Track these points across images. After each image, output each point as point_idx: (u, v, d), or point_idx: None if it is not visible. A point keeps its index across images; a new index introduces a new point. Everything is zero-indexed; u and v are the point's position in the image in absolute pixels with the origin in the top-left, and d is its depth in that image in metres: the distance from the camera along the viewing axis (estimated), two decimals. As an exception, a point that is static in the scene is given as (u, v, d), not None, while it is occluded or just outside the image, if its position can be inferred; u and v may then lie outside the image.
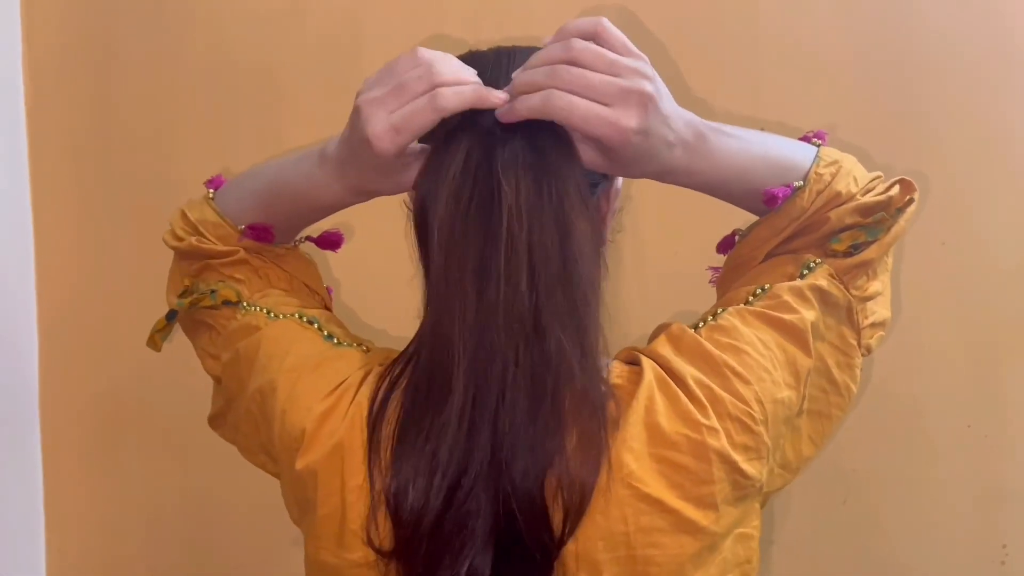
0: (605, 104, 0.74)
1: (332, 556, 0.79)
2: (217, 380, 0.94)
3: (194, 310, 0.92)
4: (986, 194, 1.43)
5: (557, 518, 0.74)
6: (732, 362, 0.78)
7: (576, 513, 0.73)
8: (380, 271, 1.36)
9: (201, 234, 0.92)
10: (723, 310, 0.83)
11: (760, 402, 0.78)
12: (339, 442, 0.78)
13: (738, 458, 0.76)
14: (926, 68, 1.41)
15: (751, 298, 0.84)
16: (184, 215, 0.94)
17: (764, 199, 0.85)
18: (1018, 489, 1.46)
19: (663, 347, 0.80)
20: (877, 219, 0.85)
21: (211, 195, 0.95)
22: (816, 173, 0.85)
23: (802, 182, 0.84)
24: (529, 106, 0.75)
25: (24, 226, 1.50)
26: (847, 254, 0.85)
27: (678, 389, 0.77)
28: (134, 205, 1.50)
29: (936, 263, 1.44)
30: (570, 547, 0.75)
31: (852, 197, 0.85)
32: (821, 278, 0.84)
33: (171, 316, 0.95)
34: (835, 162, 0.86)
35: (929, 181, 1.41)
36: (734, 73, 1.43)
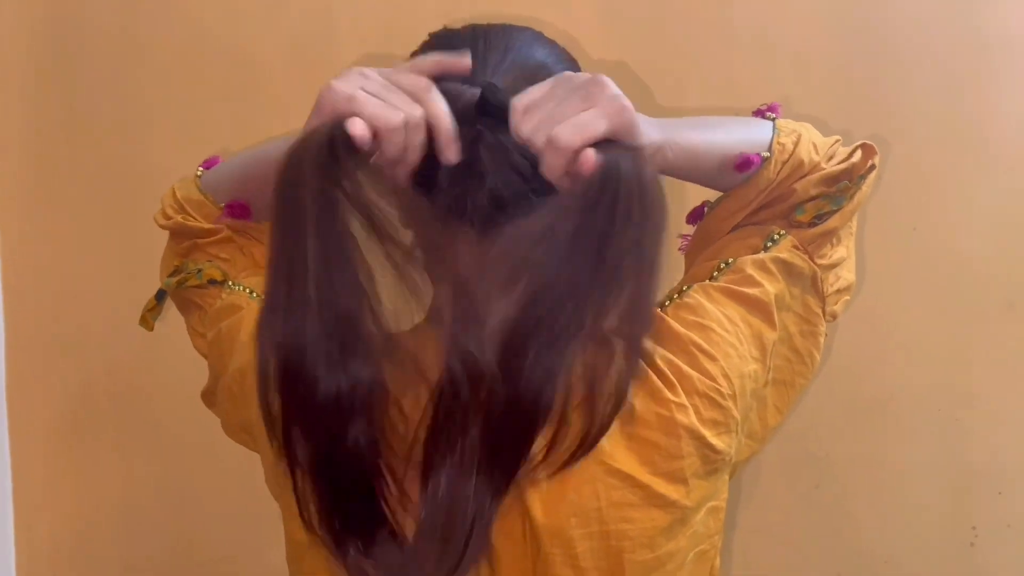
0: (588, 108, 0.71)
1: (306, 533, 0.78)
2: (206, 358, 0.94)
3: (182, 289, 0.93)
4: (957, 180, 1.44)
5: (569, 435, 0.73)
6: (698, 340, 0.79)
7: (600, 428, 0.73)
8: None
9: (187, 212, 0.94)
10: (688, 287, 0.84)
11: (727, 377, 0.79)
12: None
13: (707, 433, 0.78)
14: (899, 57, 1.42)
15: (716, 273, 0.84)
16: (173, 193, 0.96)
17: (737, 163, 0.84)
18: (987, 472, 1.48)
19: None
20: (841, 188, 0.85)
21: (199, 173, 0.96)
22: (778, 143, 0.85)
23: (768, 153, 0.84)
24: (553, 165, 0.71)
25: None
26: (811, 224, 0.85)
27: (646, 368, 0.77)
28: (104, 195, 1.48)
29: (907, 249, 1.45)
30: (543, 523, 0.76)
31: (816, 167, 0.85)
32: (785, 250, 0.84)
33: (160, 296, 0.96)
34: (794, 131, 0.86)
35: (901, 167, 1.42)
36: (708, 64, 1.44)
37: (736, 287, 0.83)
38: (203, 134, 1.44)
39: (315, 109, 0.73)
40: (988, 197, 1.44)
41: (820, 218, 0.85)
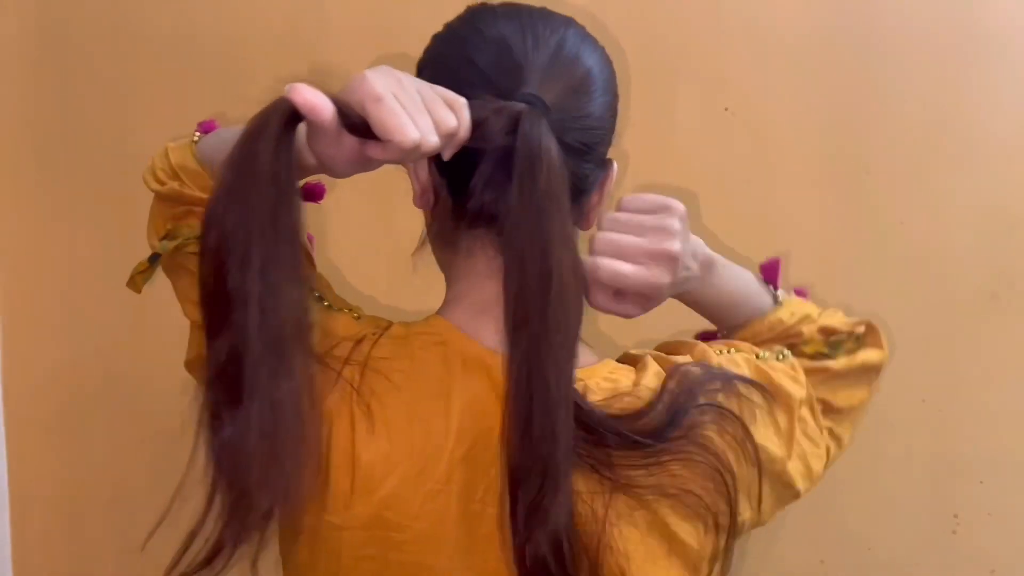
0: (640, 264, 0.77)
1: (313, 518, 0.78)
2: (196, 325, 0.90)
3: (177, 254, 0.89)
4: (943, 174, 1.44)
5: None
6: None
7: None
8: (367, 236, 1.35)
9: (181, 179, 0.89)
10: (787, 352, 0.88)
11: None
12: (327, 408, 0.77)
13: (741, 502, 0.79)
14: (887, 50, 1.43)
15: (770, 354, 0.88)
16: (167, 156, 0.91)
17: (764, 267, 0.95)
18: (969, 461, 1.49)
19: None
20: (838, 340, 0.92)
21: (196, 139, 0.91)
22: (787, 299, 0.94)
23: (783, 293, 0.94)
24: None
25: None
26: (812, 357, 0.90)
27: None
28: (95, 176, 1.49)
29: (893, 241, 1.46)
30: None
31: (820, 315, 0.93)
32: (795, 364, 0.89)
33: (154, 259, 0.91)
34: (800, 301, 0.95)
35: (888, 161, 1.43)
36: (699, 60, 1.44)
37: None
38: (192, 118, 1.42)
39: (344, 91, 0.71)
40: (972, 189, 1.44)
41: (819, 356, 0.90)
